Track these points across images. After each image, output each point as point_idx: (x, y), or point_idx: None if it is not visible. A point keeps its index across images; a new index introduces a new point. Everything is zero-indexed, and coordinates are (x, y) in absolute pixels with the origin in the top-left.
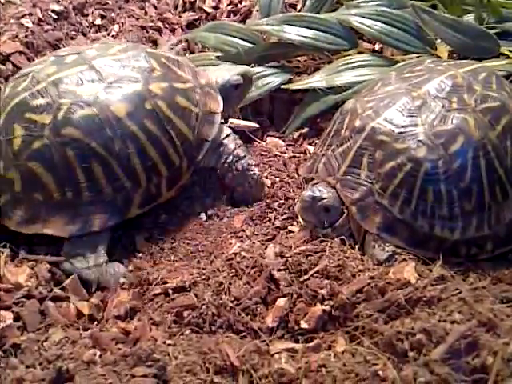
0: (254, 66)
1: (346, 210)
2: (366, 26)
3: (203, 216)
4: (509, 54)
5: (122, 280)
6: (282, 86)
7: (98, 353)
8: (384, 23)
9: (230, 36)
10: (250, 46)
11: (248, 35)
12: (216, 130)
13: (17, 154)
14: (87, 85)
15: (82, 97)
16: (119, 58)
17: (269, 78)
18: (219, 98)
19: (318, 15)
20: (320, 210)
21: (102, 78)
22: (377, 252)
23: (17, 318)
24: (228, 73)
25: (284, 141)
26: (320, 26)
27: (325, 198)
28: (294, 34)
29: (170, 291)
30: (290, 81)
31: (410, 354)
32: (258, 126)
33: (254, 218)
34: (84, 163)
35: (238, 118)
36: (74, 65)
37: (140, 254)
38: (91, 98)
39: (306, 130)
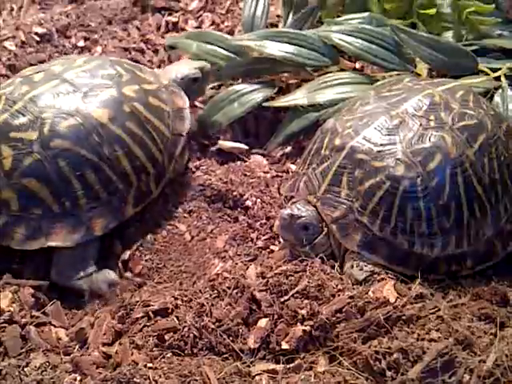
0: (238, 82)
1: (325, 229)
2: (347, 42)
3: (187, 236)
4: (487, 70)
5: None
6: (265, 104)
7: (79, 377)
8: (364, 40)
9: (213, 45)
10: (233, 56)
11: (231, 45)
12: (188, 125)
13: (9, 173)
14: (64, 97)
15: (62, 109)
16: (87, 69)
17: (251, 95)
18: (183, 94)
19: (299, 31)
20: (298, 228)
21: (76, 89)
22: (355, 271)
23: None
24: (187, 67)
25: (267, 160)
26: (301, 42)
27: (303, 216)
28: (275, 49)
29: (152, 314)
30: (272, 98)
31: (388, 373)
32: (246, 147)
33: (236, 239)
34: (77, 171)
35: (229, 140)
36: (45, 81)
37: (127, 274)
38: (72, 109)
39: (288, 149)
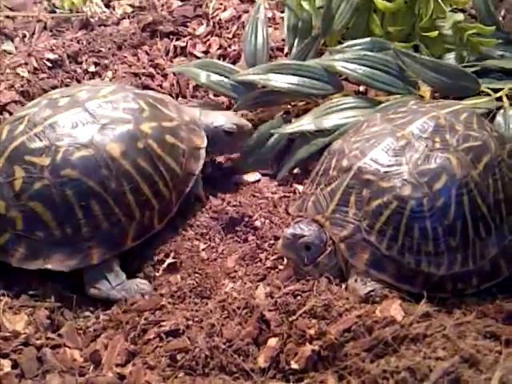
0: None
1: (328, 248)
2: (350, 70)
3: (203, 255)
4: (488, 91)
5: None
6: (273, 131)
7: None
8: (367, 66)
9: (222, 76)
10: (240, 87)
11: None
12: (201, 165)
13: (18, 194)
14: (82, 127)
15: (77, 139)
16: (110, 100)
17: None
18: (203, 133)
19: (303, 62)
20: (301, 248)
21: (95, 120)
22: (358, 286)
23: (15, 365)
24: (226, 119)
25: (275, 181)
26: (305, 72)
27: (306, 236)
28: (280, 81)
29: (164, 335)
30: None
31: None
32: (260, 176)
33: (245, 259)
34: (82, 201)
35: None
36: (68, 108)
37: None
38: (87, 140)
39: (295, 170)
